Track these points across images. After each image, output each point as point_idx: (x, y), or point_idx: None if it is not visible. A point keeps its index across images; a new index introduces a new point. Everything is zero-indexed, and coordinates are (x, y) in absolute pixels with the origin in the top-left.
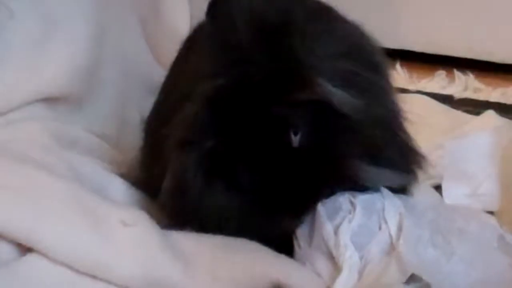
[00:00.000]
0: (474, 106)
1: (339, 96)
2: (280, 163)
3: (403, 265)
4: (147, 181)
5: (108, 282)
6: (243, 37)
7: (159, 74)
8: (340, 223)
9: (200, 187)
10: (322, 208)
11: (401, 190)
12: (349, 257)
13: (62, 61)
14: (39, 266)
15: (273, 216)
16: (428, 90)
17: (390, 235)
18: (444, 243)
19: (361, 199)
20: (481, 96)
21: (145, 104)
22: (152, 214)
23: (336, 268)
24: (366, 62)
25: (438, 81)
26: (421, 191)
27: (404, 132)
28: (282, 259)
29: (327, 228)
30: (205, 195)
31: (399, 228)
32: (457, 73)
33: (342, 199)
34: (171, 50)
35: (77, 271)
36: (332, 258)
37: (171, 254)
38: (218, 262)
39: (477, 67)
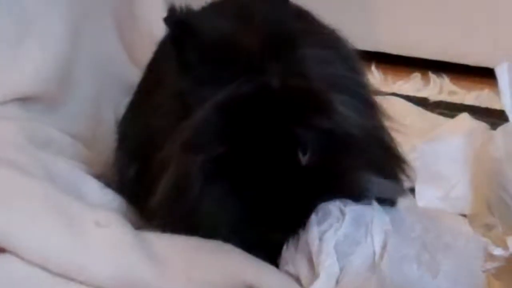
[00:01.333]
0: (449, 109)
1: (348, 117)
2: (285, 178)
3: (384, 283)
4: (121, 182)
5: (82, 282)
6: (249, 44)
7: (134, 75)
8: (327, 230)
9: (200, 190)
10: (312, 213)
11: (389, 200)
12: (328, 265)
13: (37, 61)
14: (12, 266)
15: (269, 230)
16: (403, 92)
17: (374, 251)
18: (430, 260)
19: (352, 209)
20: (456, 99)
21: (120, 104)
22: (126, 215)
23: (315, 273)
24: (349, 66)
25: (413, 84)
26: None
27: (393, 140)
28: (256, 261)
29: (313, 233)
30: (204, 199)
31: (383, 246)
32: (432, 76)
33: (333, 206)
34: (146, 51)
35: (51, 271)
36: (312, 262)
37: (145, 255)
38: (192, 263)
39: (452, 70)
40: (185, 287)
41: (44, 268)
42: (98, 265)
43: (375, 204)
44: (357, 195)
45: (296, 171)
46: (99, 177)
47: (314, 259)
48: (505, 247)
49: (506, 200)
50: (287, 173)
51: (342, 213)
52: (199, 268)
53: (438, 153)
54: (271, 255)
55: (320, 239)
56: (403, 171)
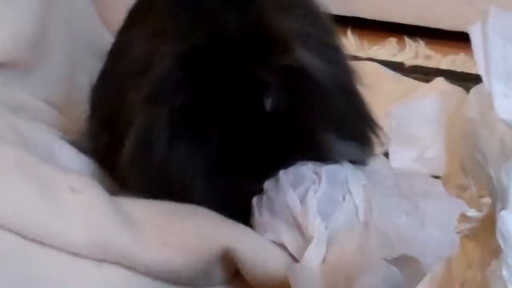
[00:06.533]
0: (425, 74)
1: (312, 62)
2: (250, 125)
3: (379, 237)
4: (95, 149)
5: (57, 248)
6: None
7: (107, 39)
8: (304, 192)
9: (166, 143)
10: (284, 176)
11: (359, 161)
12: (318, 225)
13: (7, 26)
14: None
15: (236, 177)
16: (378, 57)
17: (355, 206)
18: (412, 207)
19: (325, 169)
20: (432, 64)
21: (94, 69)
22: (100, 181)
23: (302, 236)
24: (321, 26)
25: (389, 49)
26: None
27: (363, 99)
28: (232, 224)
29: (292, 196)
30: (171, 151)
31: (363, 200)
32: (407, 40)
33: (305, 169)
34: (118, 15)
35: (25, 237)
36: (297, 227)
37: (120, 220)
38: (168, 227)
39: (427, 35)
40: (161, 251)
41: (18, 234)
42: (73, 230)
43: (346, 163)
44: (322, 153)
45: (262, 118)
46: (73, 143)
47: (300, 222)
48: (479, 208)
49: (479, 161)
50: (253, 120)
51: (317, 175)
52: (175, 231)
53: (412, 114)
54: (244, 212)
55: (302, 202)
56: (373, 132)
